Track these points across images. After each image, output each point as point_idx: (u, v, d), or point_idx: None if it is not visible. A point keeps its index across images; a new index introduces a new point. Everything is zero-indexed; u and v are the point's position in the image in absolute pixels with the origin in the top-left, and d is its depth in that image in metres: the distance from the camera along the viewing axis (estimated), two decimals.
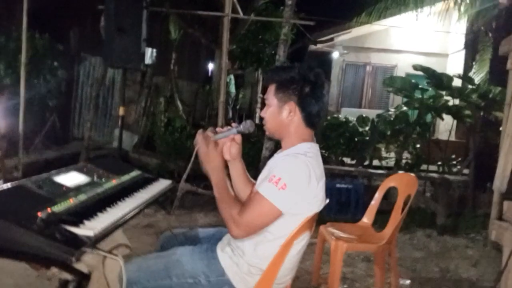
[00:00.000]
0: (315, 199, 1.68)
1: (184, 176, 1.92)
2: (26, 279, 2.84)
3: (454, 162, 6.36)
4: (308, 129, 1.74)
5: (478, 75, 7.52)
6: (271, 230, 1.64)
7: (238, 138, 1.85)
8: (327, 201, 1.84)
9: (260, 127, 1.97)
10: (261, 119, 1.81)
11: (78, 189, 1.77)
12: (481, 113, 5.74)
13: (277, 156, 1.79)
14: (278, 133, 1.76)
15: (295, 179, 1.60)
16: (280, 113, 1.71)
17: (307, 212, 1.67)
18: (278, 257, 1.65)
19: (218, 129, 1.83)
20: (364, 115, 6.84)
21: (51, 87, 6.87)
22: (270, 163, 1.76)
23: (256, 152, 5.53)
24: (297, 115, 1.70)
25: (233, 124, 1.85)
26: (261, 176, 1.72)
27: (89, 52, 8.02)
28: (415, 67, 6.05)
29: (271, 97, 1.73)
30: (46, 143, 6.93)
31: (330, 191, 4.98)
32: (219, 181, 1.70)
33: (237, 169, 1.90)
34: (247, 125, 1.80)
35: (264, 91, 1.84)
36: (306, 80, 1.69)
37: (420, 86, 6.06)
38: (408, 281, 3.30)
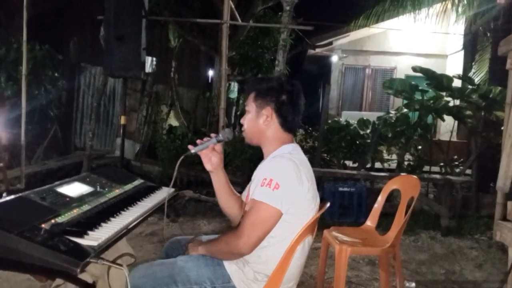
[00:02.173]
0: (309, 194, 1.70)
1: (171, 184, 1.92)
2: None
3: (457, 163, 6.34)
4: (287, 134, 1.80)
5: (478, 75, 7.54)
6: (273, 235, 1.65)
7: (219, 147, 1.87)
8: (328, 204, 1.85)
9: None
10: (241, 125, 1.85)
11: (81, 200, 1.77)
12: (482, 113, 5.74)
13: (262, 164, 1.81)
14: (256, 139, 1.82)
15: (286, 177, 1.63)
16: (257, 119, 1.78)
17: (305, 210, 1.69)
18: (282, 263, 1.64)
19: (198, 141, 1.86)
20: (364, 118, 6.85)
21: (52, 97, 6.90)
22: (257, 171, 1.78)
23: (258, 157, 5.53)
24: (273, 121, 1.77)
25: (212, 135, 1.87)
26: (252, 186, 1.73)
27: (89, 61, 8.06)
28: (415, 69, 6.05)
29: (250, 104, 1.80)
30: (48, 154, 6.95)
31: (332, 194, 4.98)
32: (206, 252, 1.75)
33: (220, 179, 1.90)
34: (225, 133, 1.86)
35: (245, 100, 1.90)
36: (284, 89, 1.77)
37: (420, 88, 6.06)
38: (413, 284, 3.28)
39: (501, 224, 2.28)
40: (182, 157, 1.81)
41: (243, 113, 1.87)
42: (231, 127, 8.82)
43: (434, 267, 3.74)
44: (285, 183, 1.61)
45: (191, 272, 1.68)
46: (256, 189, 1.64)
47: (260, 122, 1.77)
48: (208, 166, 1.86)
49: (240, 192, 1.98)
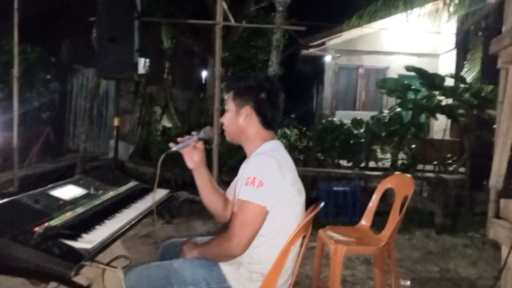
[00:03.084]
0: (294, 189, 1.71)
1: (155, 183, 1.91)
2: None
3: (450, 162, 6.38)
4: (267, 131, 1.80)
5: (470, 74, 7.57)
6: (263, 233, 1.65)
7: (200, 145, 1.88)
8: (322, 204, 1.85)
9: None
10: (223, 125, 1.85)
11: (75, 202, 1.76)
12: (475, 112, 5.78)
13: (246, 162, 1.81)
14: (237, 138, 1.82)
15: (269, 173, 1.63)
16: (237, 117, 1.78)
17: (291, 205, 1.70)
18: (276, 264, 1.64)
19: (179, 138, 1.86)
20: (358, 118, 6.87)
21: (45, 99, 6.87)
22: (241, 171, 1.78)
23: None
24: (253, 119, 1.77)
25: (194, 132, 1.87)
26: (238, 186, 1.74)
27: (82, 63, 8.01)
28: (408, 68, 6.09)
29: (229, 103, 1.80)
30: (41, 156, 6.90)
31: (327, 194, 4.97)
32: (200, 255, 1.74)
33: (203, 177, 1.90)
34: (207, 132, 1.86)
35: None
36: (262, 87, 1.77)
37: (413, 87, 6.10)
38: (408, 282, 3.29)
39: (494, 222, 2.29)
40: (163, 155, 1.82)
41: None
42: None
43: (429, 265, 3.76)
44: (268, 180, 1.61)
45: (186, 273, 1.67)
46: (241, 189, 1.65)
47: (240, 121, 1.77)
48: (189, 164, 1.86)
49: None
